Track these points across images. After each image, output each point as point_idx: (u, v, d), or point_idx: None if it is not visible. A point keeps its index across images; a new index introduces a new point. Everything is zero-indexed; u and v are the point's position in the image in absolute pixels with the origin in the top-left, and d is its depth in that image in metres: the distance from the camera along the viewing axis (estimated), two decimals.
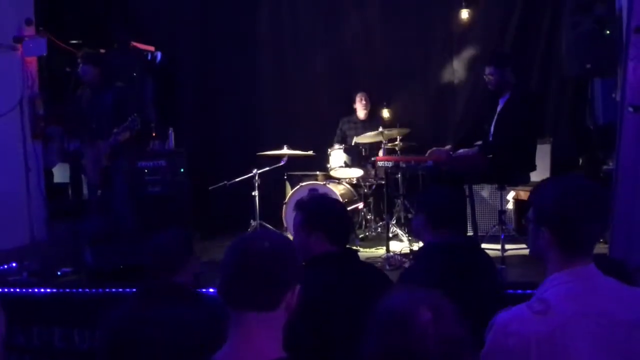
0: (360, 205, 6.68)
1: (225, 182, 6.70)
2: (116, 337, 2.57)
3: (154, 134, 6.90)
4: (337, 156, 6.67)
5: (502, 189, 5.39)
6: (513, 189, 6.07)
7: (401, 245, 5.94)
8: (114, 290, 4.75)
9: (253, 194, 6.53)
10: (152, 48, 7.19)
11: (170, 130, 7.04)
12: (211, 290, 4.45)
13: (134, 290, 4.34)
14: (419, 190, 6.31)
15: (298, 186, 6.41)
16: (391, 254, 5.58)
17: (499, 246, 5.05)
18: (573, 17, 5.65)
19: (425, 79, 7.48)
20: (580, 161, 6.57)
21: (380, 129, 6.58)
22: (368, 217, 6.83)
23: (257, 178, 6.55)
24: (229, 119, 7.87)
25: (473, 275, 2.82)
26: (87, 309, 4.69)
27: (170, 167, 6.48)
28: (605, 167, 5.77)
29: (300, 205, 2.87)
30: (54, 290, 4.88)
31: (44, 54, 6.70)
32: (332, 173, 6.74)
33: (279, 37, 7.83)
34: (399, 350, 1.48)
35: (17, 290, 4.92)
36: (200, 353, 1.72)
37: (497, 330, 1.81)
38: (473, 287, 2.71)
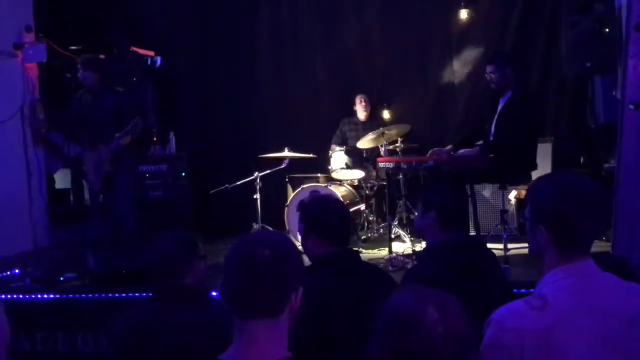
0: (362, 206, 6.67)
1: (227, 185, 6.70)
2: (130, 340, 2.57)
3: (154, 139, 6.91)
4: (338, 158, 6.67)
5: (504, 188, 5.38)
6: (515, 188, 6.07)
7: (403, 246, 5.93)
8: (117, 295, 4.74)
9: (255, 196, 6.53)
10: (151, 53, 7.21)
11: (171, 135, 7.06)
12: (214, 293, 4.46)
13: (145, 294, 4.37)
14: (421, 190, 6.30)
15: (299, 188, 6.40)
16: (394, 254, 5.57)
17: (501, 245, 5.04)
18: (572, 16, 5.66)
19: (425, 80, 7.48)
20: (582, 160, 6.57)
21: (381, 130, 6.58)
22: (370, 218, 6.82)
23: (258, 181, 6.55)
24: (230, 123, 7.87)
25: (480, 274, 2.80)
26: (91, 314, 4.69)
27: (171, 171, 6.51)
28: (606, 165, 5.76)
29: (299, 207, 2.88)
30: (57, 295, 4.88)
31: (44, 60, 6.72)
32: (334, 175, 6.74)
33: (278, 40, 7.84)
34: (407, 350, 1.47)
35: (21, 296, 4.92)
36: (210, 356, 1.71)
37: (494, 326, 1.81)
38: (480, 286, 2.70)
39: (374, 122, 7.19)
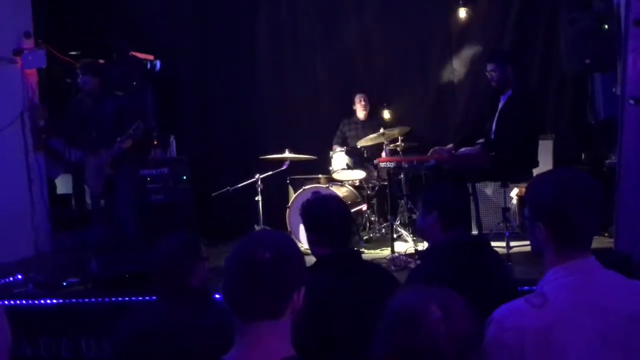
0: (364, 207, 6.67)
1: (228, 187, 6.70)
2: (135, 344, 2.58)
3: (155, 142, 6.91)
4: (339, 158, 6.66)
5: (505, 186, 5.38)
6: (516, 186, 6.06)
7: (406, 245, 5.92)
8: (119, 299, 4.74)
9: (256, 199, 6.53)
10: (151, 57, 7.21)
11: (172, 138, 7.06)
12: (217, 296, 4.46)
13: (148, 297, 4.38)
14: (422, 189, 6.30)
15: (301, 190, 6.40)
16: (396, 254, 5.58)
17: (503, 243, 5.05)
18: (571, 13, 5.66)
19: (425, 79, 7.49)
20: (583, 156, 6.57)
21: (382, 130, 6.58)
22: (372, 218, 6.82)
23: (259, 183, 6.55)
24: (230, 125, 7.88)
25: (484, 273, 2.79)
26: (94, 318, 4.69)
27: (172, 175, 6.51)
28: (607, 161, 5.76)
29: (300, 209, 2.89)
30: (60, 300, 4.88)
31: (44, 66, 6.72)
32: (335, 175, 6.74)
33: (278, 41, 7.84)
34: (410, 349, 1.47)
35: (24, 302, 4.92)
36: (214, 357, 1.71)
37: (495, 325, 1.80)
38: (484, 285, 2.69)
39: (373, 121, 7.20)
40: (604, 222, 5.17)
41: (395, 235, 5.94)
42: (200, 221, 6.71)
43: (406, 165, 5.67)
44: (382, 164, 5.79)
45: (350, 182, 6.79)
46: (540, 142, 5.54)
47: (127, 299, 4.72)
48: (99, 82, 5.79)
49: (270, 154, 6.71)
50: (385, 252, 5.86)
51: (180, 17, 7.87)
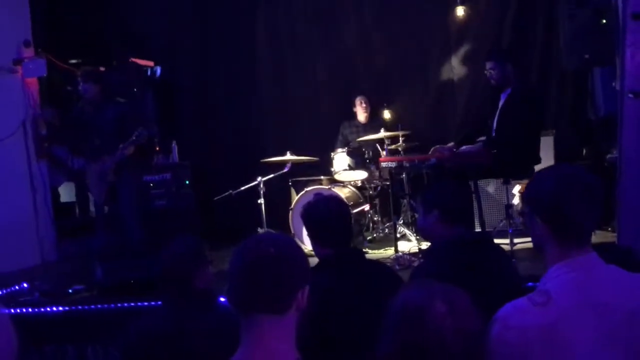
0: (367, 207, 6.67)
1: (231, 191, 6.71)
2: (143, 348, 2.59)
3: (157, 148, 6.93)
4: (340, 159, 6.67)
5: (507, 183, 5.39)
6: (518, 183, 6.05)
7: (409, 244, 5.94)
8: (125, 305, 4.75)
9: (259, 201, 6.54)
10: (151, 63, 7.22)
11: (174, 144, 7.07)
12: (222, 299, 4.47)
13: (154, 303, 4.38)
14: (423, 188, 6.30)
15: (303, 191, 6.40)
16: (400, 253, 5.59)
17: (507, 241, 5.05)
18: (569, 8, 5.65)
19: (425, 78, 7.49)
20: (584, 152, 6.56)
21: (382, 131, 6.58)
22: (375, 218, 6.82)
23: (261, 186, 6.56)
24: (231, 129, 7.90)
25: (488, 270, 2.78)
26: (100, 325, 4.70)
27: (175, 180, 6.52)
28: (609, 156, 5.76)
29: (300, 211, 2.91)
30: (66, 308, 4.89)
31: (44, 75, 6.74)
32: (337, 176, 6.75)
33: (277, 43, 7.86)
34: (416, 346, 1.47)
35: (30, 310, 4.93)
36: (222, 358, 1.72)
37: (499, 323, 1.79)
38: (488, 282, 2.68)
39: (374, 123, 7.19)
40: (606, 216, 5.18)
41: (398, 235, 5.95)
42: (204, 225, 6.72)
43: (408, 165, 5.69)
44: (384, 164, 5.80)
45: (352, 182, 6.79)
46: (542, 139, 5.54)
47: (132, 304, 4.72)
48: (99, 90, 5.81)
49: (271, 157, 6.72)
50: (389, 251, 5.88)
51: (179, 21, 7.89)
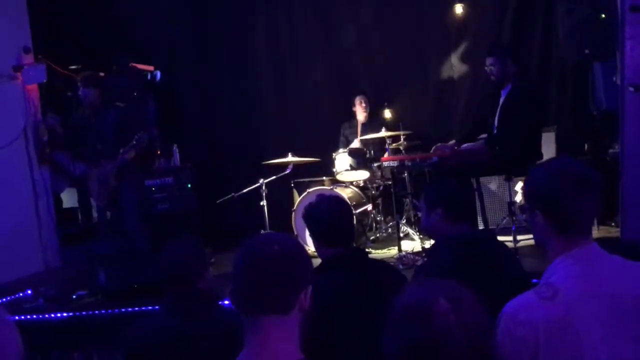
0: (369, 207, 6.67)
1: (233, 194, 6.72)
2: (146, 351, 2.59)
3: (158, 152, 6.92)
4: (342, 160, 6.66)
5: (510, 180, 5.38)
6: (521, 180, 6.04)
7: (413, 243, 5.93)
8: (130, 309, 4.75)
9: (261, 203, 6.54)
10: (151, 68, 7.22)
11: (175, 147, 7.06)
12: (226, 302, 4.46)
13: (159, 307, 4.39)
14: (425, 187, 6.29)
15: (305, 193, 6.40)
16: (403, 253, 5.59)
17: (510, 238, 5.05)
18: (568, 3, 5.64)
19: (425, 77, 7.49)
20: (586, 147, 6.55)
21: (384, 130, 6.58)
22: (378, 218, 6.81)
23: (264, 188, 6.56)
24: (232, 131, 7.91)
25: (492, 268, 2.78)
26: (105, 330, 4.70)
27: (177, 184, 6.50)
28: (611, 150, 5.75)
29: (302, 212, 2.91)
30: (71, 314, 4.89)
31: (44, 81, 6.74)
32: (339, 177, 6.74)
33: (276, 45, 7.86)
34: (423, 344, 1.45)
35: (34, 316, 4.93)
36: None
37: (506, 320, 1.80)
38: (492, 280, 2.68)
39: (374, 122, 7.17)
40: (609, 212, 5.17)
41: (401, 234, 5.95)
42: (206, 228, 6.72)
43: (409, 164, 5.68)
44: (386, 163, 5.80)
45: (354, 183, 6.78)
46: (543, 135, 5.54)
47: (137, 309, 4.73)
48: (99, 94, 5.82)
49: (273, 159, 6.72)
50: (393, 251, 5.87)
51: (178, 25, 7.90)
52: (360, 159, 6.65)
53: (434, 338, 1.44)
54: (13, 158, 6.44)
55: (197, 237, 5.84)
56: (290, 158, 6.61)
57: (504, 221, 5.63)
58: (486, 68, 5.33)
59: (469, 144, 5.42)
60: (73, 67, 7.21)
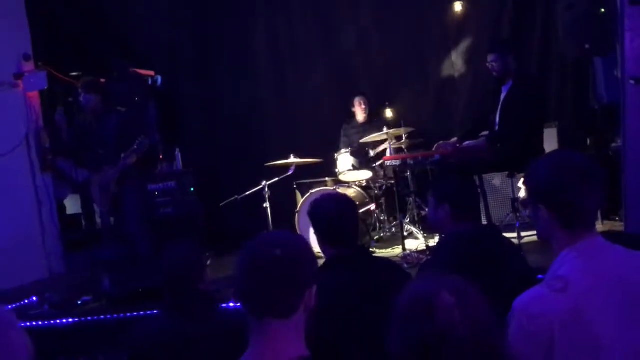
0: (372, 206, 6.66)
1: (236, 196, 6.71)
2: (152, 351, 2.60)
3: (161, 157, 6.93)
4: (344, 160, 6.66)
5: (512, 176, 5.37)
6: (524, 176, 6.02)
7: (417, 242, 5.92)
8: (135, 313, 4.75)
9: (264, 206, 6.54)
10: (152, 73, 7.23)
11: (177, 151, 7.08)
12: (231, 304, 4.47)
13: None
14: (431, 183, 6.28)
15: (308, 193, 6.39)
16: (408, 252, 5.59)
17: (515, 234, 5.04)
18: None
19: (426, 75, 7.49)
20: (588, 142, 6.53)
21: (385, 130, 6.57)
22: (381, 218, 6.80)
23: (266, 190, 6.55)
24: (234, 134, 7.91)
25: (497, 263, 2.78)
26: (110, 334, 4.70)
27: (180, 188, 6.51)
28: (613, 145, 5.74)
29: (307, 210, 2.90)
30: (76, 319, 4.90)
31: (45, 88, 6.75)
32: (341, 177, 6.74)
33: (276, 49, 7.87)
34: (426, 340, 1.44)
35: (40, 323, 4.94)
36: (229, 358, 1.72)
37: (519, 315, 1.78)
38: (498, 275, 2.67)
39: (374, 122, 7.15)
40: (612, 205, 5.15)
41: (405, 233, 5.94)
42: (210, 232, 6.72)
43: (412, 162, 5.67)
44: (388, 162, 5.79)
45: (357, 183, 6.78)
46: (545, 131, 5.54)
47: (142, 313, 4.73)
48: (100, 100, 5.82)
49: (275, 160, 6.72)
50: (397, 250, 5.87)
51: (178, 29, 7.90)
52: (362, 159, 6.65)
53: (438, 333, 1.43)
54: (15, 165, 6.45)
55: (201, 240, 5.88)
56: (292, 159, 6.61)
57: (508, 218, 5.62)
58: (488, 64, 5.33)
59: (471, 141, 5.41)
60: (74, 73, 7.22)
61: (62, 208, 7.40)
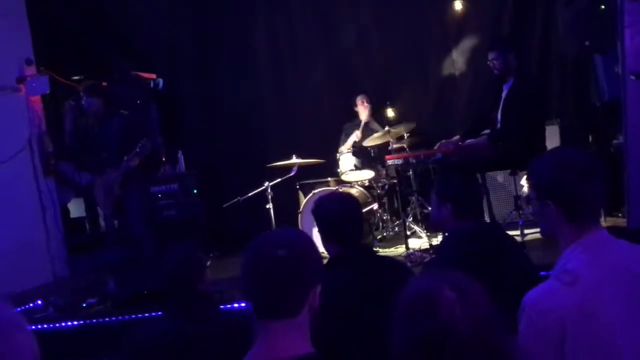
0: (375, 206, 6.65)
1: (239, 198, 6.72)
2: (152, 351, 2.61)
3: (163, 159, 6.94)
4: (346, 160, 6.66)
5: (515, 174, 5.37)
6: (526, 173, 6.02)
7: (420, 241, 5.92)
8: (139, 315, 4.77)
9: (267, 206, 6.55)
10: (153, 76, 7.24)
11: (180, 154, 7.09)
12: (235, 305, 4.48)
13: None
14: (434, 182, 6.28)
15: (311, 194, 6.39)
16: (411, 251, 5.59)
17: (518, 232, 5.04)
18: None
19: (426, 74, 7.48)
20: (590, 139, 6.53)
21: (387, 129, 6.57)
22: (384, 217, 6.80)
23: (269, 191, 6.56)
24: (236, 135, 7.91)
25: (500, 261, 2.78)
26: (115, 337, 4.70)
27: (183, 190, 6.52)
28: (615, 141, 5.73)
29: (312, 208, 2.91)
30: (81, 322, 4.92)
31: (47, 92, 6.77)
32: (344, 177, 6.74)
33: (276, 48, 7.87)
34: (428, 336, 1.44)
35: (45, 326, 4.95)
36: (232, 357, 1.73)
37: (530, 310, 1.79)
38: (501, 273, 2.67)
39: (376, 121, 7.17)
40: (615, 202, 5.15)
41: (408, 232, 5.94)
42: (214, 233, 6.74)
43: (414, 161, 5.67)
44: (390, 162, 5.79)
45: (359, 182, 6.78)
46: (547, 128, 5.54)
47: (146, 315, 4.74)
48: (102, 103, 5.84)
49: (277, 161, 6.72)
50: (400, 249, 5.87)
51: (178, 27, 7.90)
52: (364, 159, 6.65)
53: (440, 330, 1.43)
54: (19, 170, 6.46)
55: (204, 242, 5.89)
56: (294, 160, 6.61)
57: (511, 215, 5.62)
58: (489, 62, 5.33)
59: (472, 139, 5.41)
60: (76, 77, 7.23)
61: (65, 212, 7.43)
